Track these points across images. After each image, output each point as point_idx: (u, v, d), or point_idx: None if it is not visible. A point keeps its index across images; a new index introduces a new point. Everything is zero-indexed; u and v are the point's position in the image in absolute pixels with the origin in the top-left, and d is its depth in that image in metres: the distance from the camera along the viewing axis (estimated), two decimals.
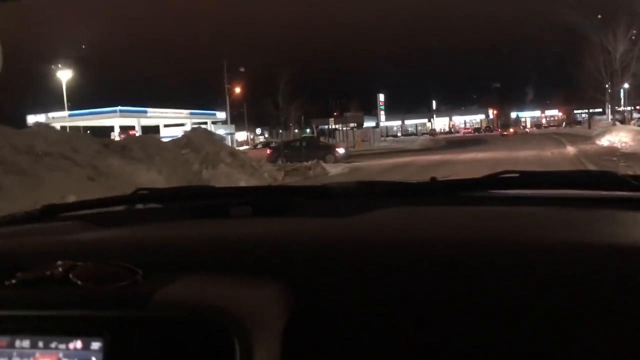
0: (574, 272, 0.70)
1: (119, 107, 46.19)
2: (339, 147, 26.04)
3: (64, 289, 0.75)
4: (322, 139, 62.27)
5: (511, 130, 69.25)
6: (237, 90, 76.14)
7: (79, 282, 0.75)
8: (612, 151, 21.50)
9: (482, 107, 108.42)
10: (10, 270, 0.82)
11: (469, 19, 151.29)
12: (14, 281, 0.79)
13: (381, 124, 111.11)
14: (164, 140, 16.60)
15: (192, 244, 0.93)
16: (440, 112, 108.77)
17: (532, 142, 33.65)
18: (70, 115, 47.26)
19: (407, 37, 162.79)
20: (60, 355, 0.71)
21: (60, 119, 46.95)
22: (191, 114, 56.25)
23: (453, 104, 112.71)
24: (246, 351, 0.65)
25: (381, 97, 65.66)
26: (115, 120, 47.28)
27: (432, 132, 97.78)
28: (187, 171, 14.19)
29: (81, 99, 47.09)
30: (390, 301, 0.73)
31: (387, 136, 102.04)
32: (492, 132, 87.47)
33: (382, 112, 66.25)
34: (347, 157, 24.62)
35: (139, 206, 1.41)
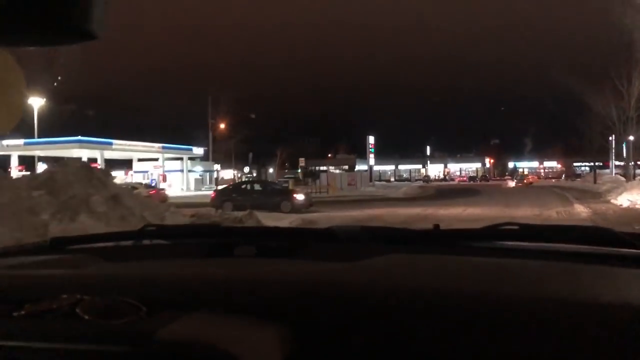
0: (567, 327, 0.72)
1: (79, 137, 41.97)
2: (297, 192, 21.48)
3: (70, 322, 0.78)
4: (294, 182, 59.06)
5: (530, 178, 65.01)
6: (222, 126, 72.68)
7: (84, 317, 0.78)
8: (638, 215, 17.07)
9: (478, 155, 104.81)
10: (19, 302, 0.85)
11: (469, 65, 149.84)
12: (22, 313, 0.82)
13: (374, 168, 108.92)
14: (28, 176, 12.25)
15: (196, 282, 0.95)
16: (435, 158, 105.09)
17: (532, 197, 29.36)
18: (25, 144, 43.12)
19: (404, 80, 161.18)
20: None
21: (15, 147, 42.95)
22: (164, 148, 51.88)
23: (449, 151, 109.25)
24: None
25: (371, 139, 61.65)
26: (75, 151, 43.11)
27: (426, 179, 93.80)
28: (31, 222, 9.56)
29: (55, 128, 42.72)
30: (390, 346, 0.75)
31: (380, 180, 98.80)
32: (488, 181, 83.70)
33: (372, 155, 61.77)
34: (309, 205, 20.24)
35: (146, 242, 1.44)
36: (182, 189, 54.39)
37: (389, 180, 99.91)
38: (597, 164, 55.42)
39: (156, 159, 52.61)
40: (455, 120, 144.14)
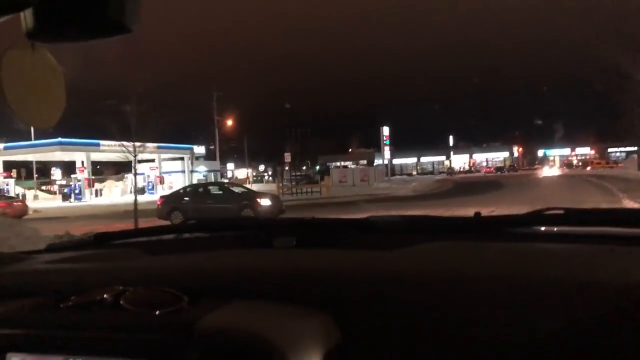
0: (619, 311, 0.70)
1: (59, 139, 38.29)
2: (263, 197, 17.04)
3: (115, 313, 0.81)
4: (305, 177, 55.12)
5: (594, 163, 58.72)
6: (229, 122, 68.88)
7: (128, 307, 0.81)
8: None
9: (505, 144, 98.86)
10: (66, 294, 0.89)
11: (495, 48, 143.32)
12: (68, 304, 0.86)
13: (394, 161, 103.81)
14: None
15: (237, 273, 0.96)
16: (459, 149, 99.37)
17: (565, 190, 24.70)
18: (5, 148, 39.97)
19: (426, 68, 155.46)
20: None
21: None
22: (159, 147, 48.09)
23: (474, 141, 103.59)
24: None
25: (385, 130, 56.78)
26: (58, 154, 39.79)
27: (450, 171, 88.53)
28: None
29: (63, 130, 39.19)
30: (434, 336, 0.75)
31: (402, 174, 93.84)
32: (516, 171, 78.28)
33: (387, 148, 56.96)
34: (279, 212, 15.72)
35: (186, 235, 1.48)
36: None
37: (410, 174, 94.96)
38: (633, 148, 49.86)
39: (152, 160, 49.10)
40: (480, 108, 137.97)
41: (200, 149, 54.16)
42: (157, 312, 0.79)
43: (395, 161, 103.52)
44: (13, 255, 1.30)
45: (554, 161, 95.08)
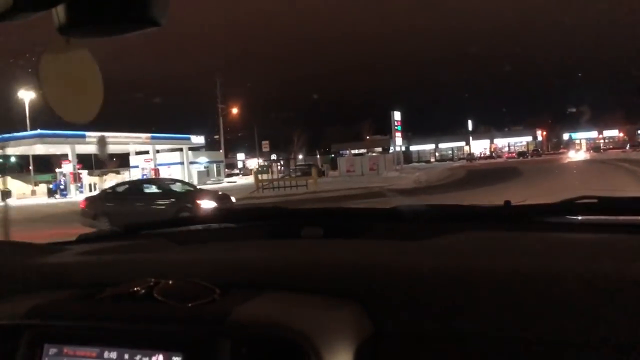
0: None
1: (39, 131, 35.37)
2: (206, 197, 13.58)
3: (149, 305, 0.82)
4: (320, 167, 51.78)
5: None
6: (235, 111, 65.77)
7: (161, 299, 0.82)
8: None
9: (528, 128, 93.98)
10: (100, 285, 0.91)
11: (517, 29, 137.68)
12: (103, 296, 0.88)
13: (412, 148, 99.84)
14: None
15: (267, 264, 0.97)
16: (479, 134, 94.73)
17: (594, 179, 20.95)
18: None
19: (447, 51, 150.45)
20: None
21: None
22: (153, 138, 45.09)
23: (495, 125, 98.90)
24: None
25: (397, 115, 52.88)
26: (38, 147, 37.08)
27: (470, 157, 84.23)
28: None
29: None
30: (461, 325, 0.75)
31: (420, 161, 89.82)
32: (540, 156, 73.85)
33: (399, 134, 53.17)
34: None
35: (215, 225, 1.50)
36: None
37: (428, 161, 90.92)
38: None
39: (146, 152, 46.27)
40: (503, 92, 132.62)
41: (199, 139, 50.81)
42: (189, 304, 0.80)
43: (413, 148, 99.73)
44: (45, 247, 1.32)
45: (581, 145, 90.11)
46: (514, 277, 0.77)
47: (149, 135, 44.54)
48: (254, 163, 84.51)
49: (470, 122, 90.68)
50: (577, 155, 64.34)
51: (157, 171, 46.01)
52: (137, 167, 46.83)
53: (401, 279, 0.82)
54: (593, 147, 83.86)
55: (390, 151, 71.49)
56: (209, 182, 49.95)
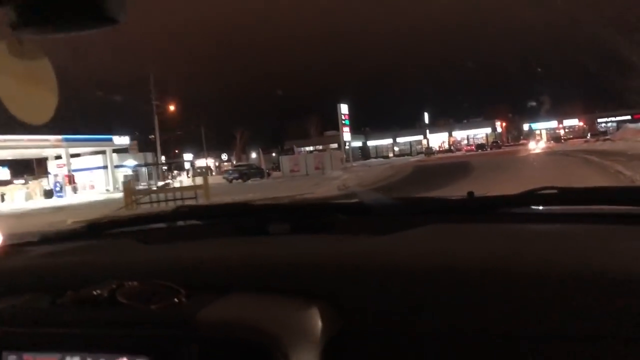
0: (612, 291, 0.69)
1: None
2: None
3: (111, 308, 0.80)
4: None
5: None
6: (172, 108, 60.31)
7: (125, 302, 0.80)
8: None
9: (487, 120, 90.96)
10: (61, 289, 0.88)
11: (474, 21, 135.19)
12: (64, 300, 0.85)
13: (369, 143, 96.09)
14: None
15: (233, 263, 0.96)
16: (438, 127, 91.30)
17: (558, 176, 16.79)
18: None
19: (403, 43, 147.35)
20: None
21: None
22: (66, 140, 39.77)
23: (455, 117, 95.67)
24: None
25: (344, 108, 48.77)
26: None
27: (428, 151, 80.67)
28: None
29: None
30: (430, 322, 0.75)
31: (377, 157, 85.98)
32: (500, 148, 70.73)
33: (347, 129, 48.98)
34: None
35: (180, 223, 1.46)
36: (107, 190, 43.02)
37: (386, 156, 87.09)
38: (625, 117, 42.64)
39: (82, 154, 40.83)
40: (461, 82, 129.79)
41: (123, 140, 45.40)
42: (154, 307, 0.78)
43: (371, 143, 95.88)
44: (5, 249, 1.30)
45: (541, 135, 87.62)
46: (480, 270, 0.78)
47: (59, 137, 39.08)
48: (209, 163, 79.66)
49: (426, 115, 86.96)
50: (537, 146, 61.11)
51: (71, 177, 40.62)
52: (49, 174, 41.39)
53: (367, 276, 0.82)
54: (553, 137, 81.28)
55: (341, 147, 67.27)
56: (140, 186, 44.89)
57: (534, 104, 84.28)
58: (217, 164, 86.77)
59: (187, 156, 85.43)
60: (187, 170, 79.19)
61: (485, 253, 0.84)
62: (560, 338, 0.69)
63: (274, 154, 78.03)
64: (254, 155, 79.97)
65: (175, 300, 0.80)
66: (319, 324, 0.76)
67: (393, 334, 0.76)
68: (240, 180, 42.90)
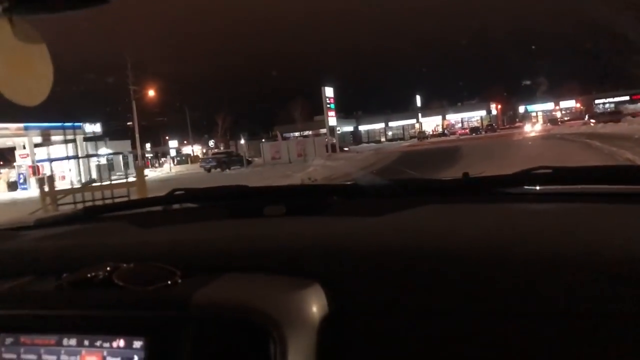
0: (606, 269, 0.69)
1: None
2: None
3: (108, 290, 0.81)
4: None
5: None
6: (151, 93, 57.52)
7: (121, 284, 0.81)
8: None
9: (482, 102, 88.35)
10: (57, 272, 0.90)
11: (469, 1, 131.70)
12: (60, 283, 0.86)
13: (360, 128, 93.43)
14: None
15: (228, 244, 0.97)
16: (431, 110, 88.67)
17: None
18: None
19: (396, 23, 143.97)
20: (105, 353, 0.77)
21: None
22: (27, 128, 36.85)
23: (449, 100, 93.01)
24: (281, 350, 0.70)
25: (328, 91, 45.90)
26: None
27: (421, 135, 78.10)
28: None
29: None
30: (424, 302, 0.75)
31: (369, 142, 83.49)
32: (495, 131, 68.20)
33: (332, 113, 46.27)
34: None
35: (176, 206, 1.47)
36: (79, 181, 40.43)
37: (378, 141, 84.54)
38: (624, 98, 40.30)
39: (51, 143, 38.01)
40: (455, 64, 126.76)
41: (94, 127, 42.63)
42: (150, 288, 0.79)
43: (362, 127, 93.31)
44: (2, 233, 1.30)
45: (537, 117, 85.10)
46: (473, 248, 0.78)
47: (20, 125, 36.30)
48: (196, 150, 77.07)
49: (418, 98, 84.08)
50: (533, 128, 58.57)
51: (36, 168, 38.00)
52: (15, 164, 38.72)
53: (362, 256, 0.82)
54: (550, 119, 78.63)
55: (344, 130, 64.45)
56: (115, 176, 42.29)
57: (529, 83, 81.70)
58: (204, 150, 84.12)
59: (173, 143, 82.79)
60: (173, 158, 76.71)
61: (479, 231, 0.84)
62: (553, 315, 0.68)
63: (264, 140, 75.44)
64: (243, 141, 77.38)
65: (171, 281, 0.80)
66: (314, 304, 0.76)
67: (387, 314, 0.75)
68: (219, 170, 40.44)
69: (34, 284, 0.91)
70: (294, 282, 0.80)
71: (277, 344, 0.70)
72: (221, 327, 0.73)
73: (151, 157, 73.95)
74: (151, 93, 56.18)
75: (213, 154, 50.99)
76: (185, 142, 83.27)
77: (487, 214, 0.99)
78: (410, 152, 35.09)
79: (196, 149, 79.89)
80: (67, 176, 42.14)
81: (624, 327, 0.64)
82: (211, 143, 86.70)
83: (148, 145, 77.01)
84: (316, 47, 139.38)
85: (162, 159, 67.65)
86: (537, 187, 1.19)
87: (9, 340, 0.82)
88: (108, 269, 0.84)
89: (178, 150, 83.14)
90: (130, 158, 52.32)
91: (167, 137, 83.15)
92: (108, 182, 14.16)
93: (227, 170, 39.74)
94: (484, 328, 0.70)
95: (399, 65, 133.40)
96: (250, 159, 46.59)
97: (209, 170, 40.83)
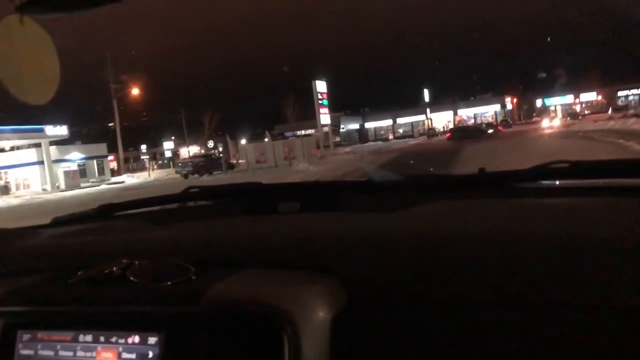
0: (623, 263, 0.69)
1: None
2: None
3: (123, 286, 0.82)
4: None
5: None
6: (135, 91, 53.46)
7: (136, 280, 0.82)
8: None
9: (497, 96, 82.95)
10: (73, 269, 0.90)
11: None
12: (75, 279, 0.87)
13: (367, 125, 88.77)
14: None
15: (243, 240, 0.98)
16: (442, 105, 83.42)
17: None
18: None
19: (406, 15, 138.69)
20: (120, 349, 0.78)
21: None
22: None
23: (461, 94, 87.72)
24: (295, 345, 0.70)
25: (320, 86, 41.22)
26: None
27: (431, 132, 73.15)
28: None
29: None
30: (440, 295, 0.74)
31: (376, 140, 78.91)
32: (510, 127, 63.08)
33: (325, 110, 41.68)
34: None
35: (190, 204, 1.49)
36: (44, 189, 36.64)
37: (386, 139, 79.76)
38: None
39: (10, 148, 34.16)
40: (468, 57, 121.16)
41: (59, 130, 38.49)
42: (164, 284, 0.80)
43: (369, 125, 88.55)
44: (19, 231, 1.32)
45: (556, 111, 79.61)
46: (489, 241, 0.78)
47: None
48: (195, 151, 73.11)
49: (427, 92, 78.69)
50: (552, 124, 53.35)
51: None
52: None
53: (377, 251, 0.82)
54: (570, 113, 73.14)
55: (349, 128, 59.93)
56: (89, 182, 38.44)
57: (545, 75, 76.29)
58: (202, 152, 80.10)
59: (168, 144, 78.75)
60: (156, 162, 72.88)
61: (495, 225, 0.84)
62: (567, 308, 0.67)
63: (244, 141, 71.08)
64: (243, 141, 73.11)
65: (185, 277, 0.80)
66: (328, 297, 0.76)
67: (400, 307, 0.75)
68: (196, 175, 36.11)
69: (49, 280, 0.91)
70: (309, 277, 0.80)
71: (291, 339, 0.69)
72: (235, 323, 0.73)
73: (148, 159, 69.99)
74: (135, 91, 52.21)
75: (190, 157, 46.75)
76: (181, 143, 79.26)
77: (503, 208, 0.98)
78: (413, 153, 30.47)
79: (193, 150, 75.89)
80: (32, 184, 38.41)
81: None
82: (210, 144, 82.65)
83: (144, 147, 72.98)
84: (320, 42, 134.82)
85: (150, 163, 63.78)
86: (555, 182, 1.18)
87: (26, 337, 0.82)
88: (123, 265, 0.84)
89: (175, 152, 79.15)
90: (106, 162, 48.09)
91: (163, 140, 79.16)
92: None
93: (206, 176, 35.44)
94: (503, 320, 0.70)
95: (407, 59, 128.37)
96: (235, 162, 42.28)
97: (185, 176, 36.51)
